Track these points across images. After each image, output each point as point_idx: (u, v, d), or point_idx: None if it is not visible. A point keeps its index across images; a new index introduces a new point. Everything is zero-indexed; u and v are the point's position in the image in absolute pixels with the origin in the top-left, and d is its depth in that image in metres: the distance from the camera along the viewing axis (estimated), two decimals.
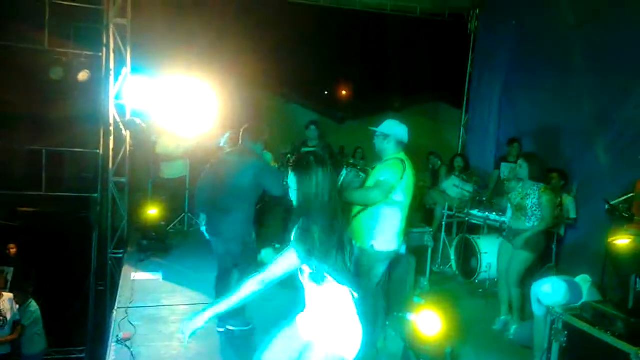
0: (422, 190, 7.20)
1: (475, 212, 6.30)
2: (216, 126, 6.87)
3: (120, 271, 6.15)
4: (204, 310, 2.35)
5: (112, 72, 6.95)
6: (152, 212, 6.70)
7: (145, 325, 4.24)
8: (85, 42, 7.59)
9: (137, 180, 7.62)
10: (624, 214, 4.40)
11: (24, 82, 7.74)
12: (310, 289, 2.33)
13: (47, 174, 7.76)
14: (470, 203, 6.41)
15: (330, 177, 2.24)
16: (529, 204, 4.36)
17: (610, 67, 5.85)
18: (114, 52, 6.96)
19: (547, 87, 6.85)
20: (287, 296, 2.52)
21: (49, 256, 7.94)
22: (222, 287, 4.17)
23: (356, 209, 3.75)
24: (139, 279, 5.43)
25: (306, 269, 2.26)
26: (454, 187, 6.92)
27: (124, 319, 4.31)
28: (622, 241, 3.76)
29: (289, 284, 2.44)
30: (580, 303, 3.35)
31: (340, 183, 3.91)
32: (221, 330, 4.18)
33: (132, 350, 3.77)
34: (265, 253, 2.66)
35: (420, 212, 7.29)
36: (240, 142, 4.20)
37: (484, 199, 6.48)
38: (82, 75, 7.32)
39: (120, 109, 7.06)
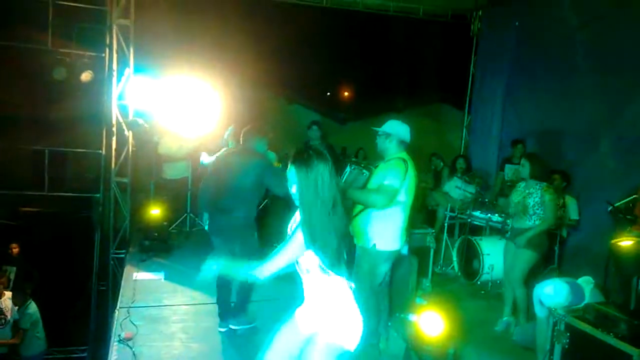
0: (424, 191, 7.19)
1: (477, 213, 6.29)
2: (219, 127, 6.88)
3: (122, 271, 6.16)
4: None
5: (114, 73, 6.97)
6: (155, 212, 6.70)
7: (147, 325, 4.25)
8: (88, 42, 7.60)
9: (139, 181, 7.63)
10: (626, 216, 4.39)
11: (27, 82, 7.75)
12: (307, 281, 2.35)
13: (49, 174, 7.77)
14: (472, 204, 6.40)
15: (330, 169, 2.25)
16: (530, 202, 4.35)
17: (613, 69, 5.85)
18: (116, 52, 6.98)
19: (550, 89, 6.84)
20: (287, 293, 2.51)
21: (51, 256, 7.94)
22: (223, 287, 4.17)
23: (358, 208, 3.75)
24: (140, 279, 5.43)
25: (304, 260, 2.28)
26: (456, 188, 6.91)
27: (125, 318, 4.31)
28: (625, 242, 3.74)
29: (288, 278, 2.45)
30: (582, 305, 3.34)
31: (343, 181, 3.91)
32: (223, 330, 4.18)
33: (133, 349, 3.77)
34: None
35: (423, 214, 7.28)
36: (242, 141, 4.20)
37: (486, 200, 6.46)
38: (85, 76, 7.33)
39: (123, 110, 7.08)
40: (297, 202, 2.30)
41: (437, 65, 10.39)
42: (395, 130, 3.73)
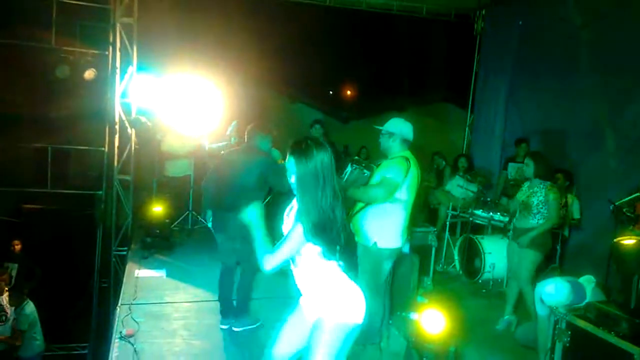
0: (426, 190, 7.19)
1: (479, 212, 6.28)
2: (221, 125, 6.89)
3: (124, 268, 6.17)
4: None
5: (118, 71, 6.99)
6: (157, 209, 6.72)
7: (149, 322, 4.25)
8: (91, 40, 7.63)
9: (141, 178, 7.65)
10: (629, 215, 4.38)
11: (30, 80, 7.78)
12: (301, 270, 2.36)
13: (52, 172, 7.80)
14: (474, 203, 6.39)
15: (330, 159, 2.24)
16: (534, 201, 4.33)
17: (616, 69, 5.83)
18: (120, 50, 7.00)
19: (553, 88, 6.83)
20: (286, 289, 2.52)
21: (53, 253, 7.97)
22: (225, 284, 4.18)
23: (359, 205, 3.75)
24: (142, 276, 5.44)
25: (303, 251, 2.28)
26: (458, 187, 6.90)
27: (127, 315, 4.31)
28: (627, 241, 3.73)
29: (287, 274, 2.46)
30: (584, 303, 3.34)
31: (344, 180, 3.91)
32: (224, 327, 4.19)
33: (135, 346, 3.77)
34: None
35: (425, 212, 7.28)
36: (246, 139, 4.21)
37: (489, 199, 6.46)
38: (89, 74, 7.35)
39: (126, 108, 7.09)
40: (295, 192, 2.30)
41: (440, 64, 10.38)
42: (398, 129, 3.73)
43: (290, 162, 2.27)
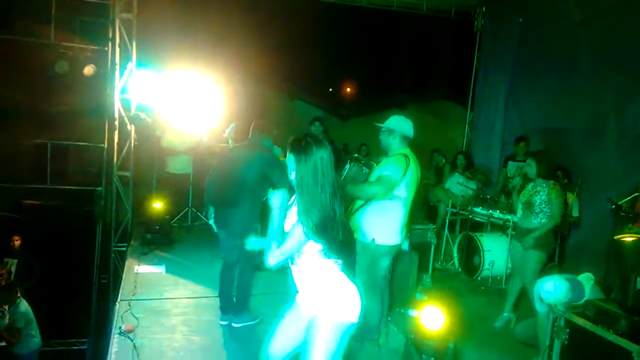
0: (425, 187, 7.19)
1: (478, 209, 6.28)
2: (221, 122, 6.89)
3: (124, 264, 6.17)
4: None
5: (117, 67, 6.97)
6: (157, 206, 6.72)
7: (148, 318, 4.26)
8: (91, 36, 7.61)
9: (141, 175, 7.65)
10: (628, 214, 4.38)
11: (30, 76, 7.77)
12: (299, 267, 2.36)
13: (51, 168, 7.80)
14: (473, 200, 6.40)
15: (329, 155, 2.24)
16: (537, 200, 4.31)
17: (616, 67, 5.83)
18: (119, 46, 6.98)
19: (553, 86, 6.83)
20: (284, 285, 2.53)
21: (53, 249, 7.97)
22: (226, 279, 4.18)
23: (358, 203, 3.75)
24: (142, 272, 5.44)
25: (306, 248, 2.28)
26: (457, 184, 6.91)
27: (126, 311, 4.31)
28: (627, 239, 3.74)
29: (285, 271, 2.46)
30: (582, 301, 3.34)
31: (343, 177, 3.91)
32: (224, 323, 4.20)
33: (134, 342, 3.78)
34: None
35: (424, 209, 7.28)
36: (249, 136, 4.21)
37: (488, 196, 6.46)
38: (88, 70, 7.34)
39: (126, 104, 7.08)
40: (295, 189, 2.29)
41: (441, 61, 10.38)
42: (398, 126, 3.73)
43: (290, 160, 2.27)
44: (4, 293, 6.11)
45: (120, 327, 3.96)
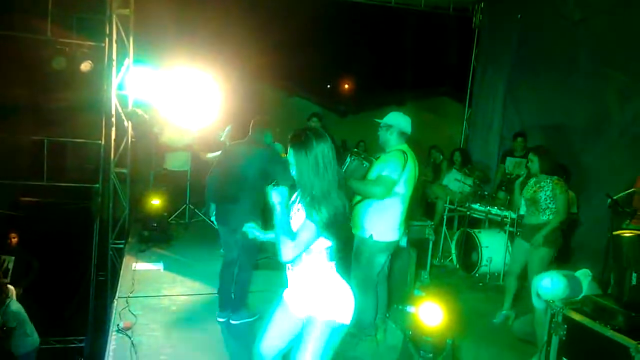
0: (423, 184, 7.20)
1: (476, 206, 6.29)
2: (218, 119, 6.87)
3: (121, 261, 6.16)
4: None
5: (114, 63, 6.94)
6: (154, 202, 6.71)
7: (146, 315, 4.25)
8: (88, 32, 7.58)
9: (138, 171, 7.63)
10: (626, 209, 4.38)
11: (26, 72, 7.74)
12: (296, 267, 2.33)
13: (48, 164, 7.77)
14: (471, 197, 6.40)
15: (331, 148, 2.21)
16: (542, 196, 4.30)
17: (614, 65, 5.83)
18: (116, 42, 6.94)
19: (551, 83, 6.83)
20: (281, 282, 2.51)
21: (50, 246, 7.95)
22: (226, 277, 4.18)
23: (356, 198, 3.75)
24: (139, 269, 5.44)
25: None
26: (455, 181, 6.92)
27: (124, 308, 4.32)
28: (627, 234, 3.73)
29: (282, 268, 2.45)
30: (580, 297, 3.35)
31: (344, 171, 3.91)
32: (221, 320, 4.19)
33: (132, 339, 3.78)
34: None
35: (422, 206, 7.28)
36: (250, 132, 4.21)
37: (486, 193, 6.46)
38: (85, 66, 7.31)
39: (123, 100, 7.06)
40: (297, 185, 2.27)
41: (439, 58, 10.36)
42: (395, 122, 3.73)
43: (290, 155, 2.24)
44: None
45: (118, 325, 3.96)
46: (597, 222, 5.38)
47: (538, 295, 3.58)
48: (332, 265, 2.32)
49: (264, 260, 5.34)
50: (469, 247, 5.96)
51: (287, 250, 2.21)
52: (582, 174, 5.97)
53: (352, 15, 9.22)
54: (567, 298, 3.34)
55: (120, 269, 5.75)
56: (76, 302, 8.01)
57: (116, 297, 4.63)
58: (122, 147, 7.12)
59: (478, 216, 6.33)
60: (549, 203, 4.29)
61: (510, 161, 6.70)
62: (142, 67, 7.05)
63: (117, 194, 7.16)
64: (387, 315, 4.28)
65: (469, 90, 8.95)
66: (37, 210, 8.25)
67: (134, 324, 4.03)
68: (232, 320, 4.17)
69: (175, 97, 6.81)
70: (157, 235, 6.41)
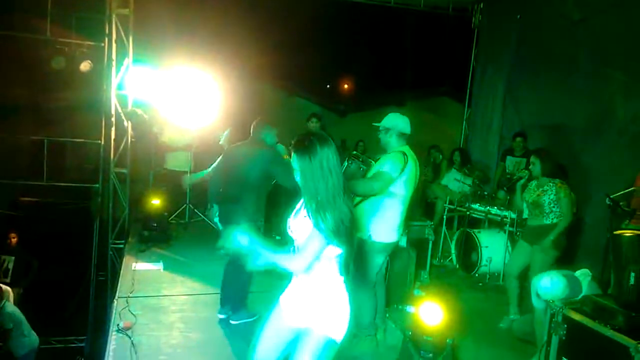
0: (423, 184, 7.20)
1: (476, 206, 6.29)
2: (218, 118, 6.87)
3: (121, 261, 6.16)
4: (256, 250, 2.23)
5: (114, 63, 6.94)
6: (154, 202, 6.71)
7: (146, 315, 4.25)
8: (87, 32, 7.57)
9: (138, 171, 7.63)
10: (625, 209, 4.38)
11: (26, 72, 7.73)
12: (302, 276, 2.29)
13: (48, 164, 7.76)
14: (471, 197, 6.41)
15: (334, 154, 2.15)
16: (546, 200, 4.29)
17: (614, 63, 5.83)
18: (116, 42, 6.94)
19: (551, 83, 6.83)
20: (282, 284, 2.50)
21: (50, 246, 7.95)
22: (231, 271, 4.18)
23: (356, 199, 3.75)
24: (139, 269, 5.44)
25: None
26: (455, 180, 6.92)
27: (124, 308, 4.31)
28: (627, 234, 3.74)
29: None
30: (580, 297, 3.35)
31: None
32: (222, 316, 4.21)
33: (132, 339, 3.78)
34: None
35: (422, 206, 7.29)
36: (252, 133, 4.21)
37: (486, 193, 6.47)
38: (84, 66, 7.30)
39: (122, 100, 7.05)
40: (302, 191, 2.21)
41: (438, 58, 10.35)
42: (393, 124, 3.73)
43: (294, 160, 2.18)
44: None
45: (118, 325, 3.96)
46: (597, 222, 5.39)
47: (538, 295, 3.59)
48: (341, 279, 2.26)
49: None
50: (468, 247, 5.97)
51: (293, 264, 2.16)
52: (581, 173, 5.97)
53: (351, 15, 9.22)
54: (566, 298, 3.34)
55: (120, 269, 5.74)
56: (76, 302, 8.01)
57: (116, 297, 4.63)
58: (121, 147, 7.12)
59: (478, 216, 6.34)
60: (553, 207, 4.28)
61: (510, 160, 6.71)
62: (141, 67, 7.05)
63: (117, 193, 7.16)
64: (387, 315, 4.29)
65: (468, 90, 8.94)
66: (37, 210, 8.25)
67: (134, 323, 4.03)
68: (232, 320, 4.18)
69: (175, 97, 6.81)
70: (157, 235, 6.41)
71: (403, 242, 4.59)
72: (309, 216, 2.16)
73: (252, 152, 4.07)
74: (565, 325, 3.18)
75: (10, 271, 7.20)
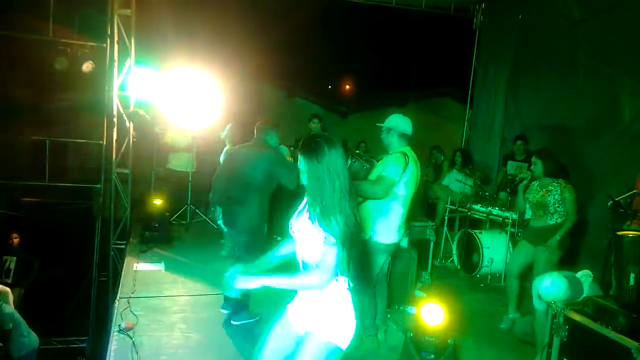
0: (424, 184, 7.19)
1: (477, 206, 6.29)
2: (219, 119, 6.88)
3: (123, 262, 6.17)
4: (257, 274, 2.22)
5: (116, 63, 6.95)
6: (156, 203, 6.72)
7: (147, 315, 4.26)
8: (89, 32, 7.60)
9: (140, 172, 7.64)
10: (626, 211, 4.38)
11: (28, 72, 7.77)
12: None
13: (50, 165, 7.79)
14: (472, 198, 6.40)
15: (342, 155, 2.12)
16: (551, 200, 4.27)
17: (615, 63, 5.82)
18: (118, 43, 6.96)
19: (552, 83, 6.82)
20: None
21: (52, 246, 7.96)
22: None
23: (357, 199, 3.76)
24: (141, 270, 5.44)
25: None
26: (456, 181, 6.92)
27: (126, 309, 4.32)
28: (630, 235, 3.73)
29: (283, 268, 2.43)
30: (581, 298, 3.35)
31: None
32: (224, 312, 4.23)
33: (133, 339, 3.78)
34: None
35: (423, 207, 7.28)
36: (256, 135, 4.22)
37: (487, 194, 6.46)
38: (86, 66, 7.33)
39: (124, 100, 7.07)
40: (308, 194, 2.18)
41: (440, 58, 10.35)
42: (395, 124, 3.73)
43: (301, 163, 2.14)
44: None
45: (119, 325, 3.96)
46: (598, 223, 5.38)
47: (539, 297, 3.58)
48: (346, 285, 2.23)
49: None
50: (470, 248, 5.96)
51: (315, 280, 2.13)
52: (582, 174, 5.96)
53: (352, 16, 9.21)
54: (568, 299, 3.34)
55: (122, 270, 5.75)
56: (77, 303, 8.02)
57: (117, 298, 4.63)
58: (123, 147, 7.13)
59: (479, 217, 6.33)
60: (558, 206, 4.27)
61: (511, 165, 6.69)
62: (143, 67, 7.06)
63: (119, 194, 7.17)
64: (388, 316, 4.29)
65: (470, 91, 8.94)
66: (39, 210, 8.27)
67: (135, 324, 4.03)
68: (233, 321, 4.18)
69: (177, 98, 6.83)
70: (158, 236, 6.41)
71: (404, 243, 4.59)
72: (313, 220, 2.13)
73: (255, 153, 4.08)
74: (567, 327, 3.17)
75: (12, 271, 7.22)
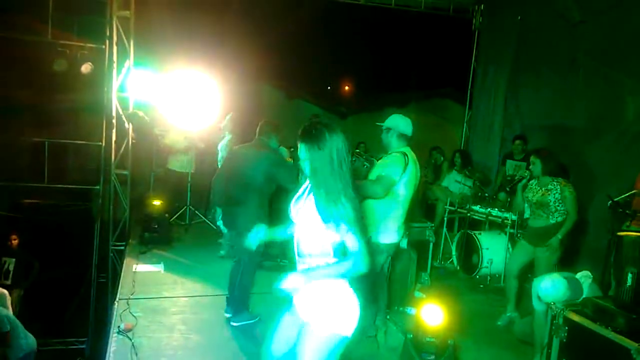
0: (424, 185, 7.19)
1: (477, 207, 6.29)
2: (219, 121, 6.88)
3: (122, 263, 6.16)
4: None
5: (115, 65, 6.95)
6: (155, 204, 6.71)
7: (147, 317, 4.25)
8: (88, 34, 7.60)
9: (139, 173, 7.63)
10: (626, 211, 4.38)
11: (28, 74, 7.75)
12: (305, 266, 2.24)
13: (49, 166, 7.79)
14: (472, 199, 6.40)
15: (343, 143, 2.06)
16: (551, 199, 4.26)
17: (615, 64, 5.83)
18: (117, 44, 6.95)
19: (552, 84, 6.83)
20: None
21: (51, 247, 7.96)
22: (236, 274, 4.19)
23: None
24: (140, 271, 5.44)
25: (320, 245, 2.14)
26: (455, 182, 6.91)
27: (125, 310, 4.32)
28: (630, 235, 3.73)
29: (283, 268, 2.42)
30: (581, 299, 3.35)
31: None
32: (228, 315, 4.24)
33: (133, 341, 3.78)
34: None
35: (422, 208, 7.28)
36: (257, 136, 4.23)
37: (486, 194, 6.46)
38: (85, 68, 7.33)
39: (123, 102, 7.06)
40: (311, 182, 2.13)
41: (439, 59, 10.35)
42: (394, 124, 3.74)
43: (301, 150, 2.06)
44: None
45: (119, 326, 3.96)
46: (598, 223, 5.38)
47: (539, 298, 3.58)
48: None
49: (269, 262, 5.35)
50: (469, 249, 5.96)
51: (356, 265, 2.05)
52: (582, 174, 5.96)
53: (352, 17, 9.21)
54: (567, 300, 3.34)
55: (121, 271, 5.75)
56: (77, 304, 8.01)
57: (117, 299, 4.63)
58: (122, 148, 7.13)
59: (478, 218, 6.33)
60: (558, 205, 4.26)
61: (510, 164, 6.70)
62: (142, 68, 7.06)
63: (118, 195, 7.16)
64: (388, 317, 4.28)
65: (469, 92, 8.94)
66: (38, 211, 8.26)
67: (134, 325, 4.03)
68: (233, 322, 4.18)
69: (176, 99, 6.82)
70: (157, 237, 6.42)
71: (404, 244, 4.59)
72: (320, 211, 2.06)
73: (255, 154, 4.09)
74: (566, 327, 3.17)
75: (11, 273, 7.21)
